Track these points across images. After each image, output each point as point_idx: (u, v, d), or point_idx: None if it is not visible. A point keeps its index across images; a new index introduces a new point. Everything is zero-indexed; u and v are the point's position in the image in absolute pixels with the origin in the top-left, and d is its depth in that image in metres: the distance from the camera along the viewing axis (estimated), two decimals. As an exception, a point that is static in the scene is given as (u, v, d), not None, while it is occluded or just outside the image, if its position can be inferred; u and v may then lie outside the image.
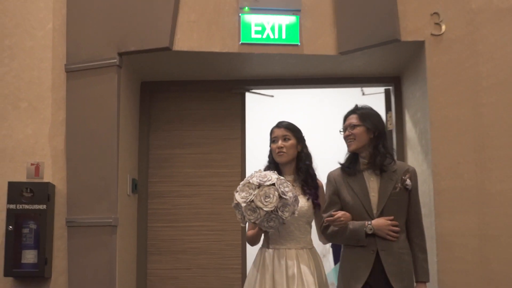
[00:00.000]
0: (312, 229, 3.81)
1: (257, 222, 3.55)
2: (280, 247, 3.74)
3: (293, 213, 3.61)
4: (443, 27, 4.20)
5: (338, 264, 4.02)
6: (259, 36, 4.25)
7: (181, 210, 4.77)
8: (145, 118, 4.82)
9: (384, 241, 3.63)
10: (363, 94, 5.48)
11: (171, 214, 4.76)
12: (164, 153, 4.83)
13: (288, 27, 4.27)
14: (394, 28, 4.14)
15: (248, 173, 4.67)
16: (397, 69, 4.78)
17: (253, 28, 4.26)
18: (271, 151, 3.93)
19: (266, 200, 3.51)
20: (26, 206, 4.00)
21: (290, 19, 4.26)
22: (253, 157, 4.85)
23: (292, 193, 3.61)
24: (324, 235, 3.82)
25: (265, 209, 3.50)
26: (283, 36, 4.26)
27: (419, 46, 4.24)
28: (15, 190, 4.00)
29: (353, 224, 3.69)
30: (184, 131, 4.86)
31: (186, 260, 4.70)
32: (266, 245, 3.78)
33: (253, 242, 3.78)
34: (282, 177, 3.64)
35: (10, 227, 3.97)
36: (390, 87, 4.99)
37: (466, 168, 4.06)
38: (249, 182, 3.59)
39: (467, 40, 4.23)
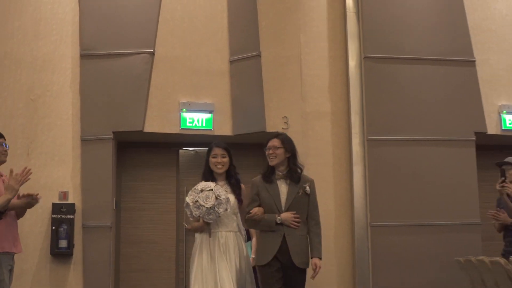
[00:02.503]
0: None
1: (201, 215, 4.72)
2: (215, 231, 4.92)
3: (226, 209, 4.77)
4: (289, 124, 7.77)
5: (249, 241, 5.88)
6: (191, 125, 7.69)
7: (140, 217, 8.10)
8: (120, 163, 8.11)
9: (289, 228, 4.80)
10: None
11: (135, 219, 8.08)
12: (131, 184, 8.15)
13: (207, 120, 7.72)
14: (263, 124, 7.68)
15: (180, 198, 8.14)
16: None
17: (187, 120, 7.69)
18: (208, 162, 5.09)
19: (206, 200, 4.66)
20: (62, 216, 7.21)
21: (207, 115, 7.72)
22: (182, 187, 8.30)
23: (225, 196, 4.76)
24: (247, 223, 5.01)
25: (206, 206, 4.66)
26: (204, 125, 7.70)
27: (275, 135, 7.79)
28: (57, 207, 7.21)
29: (267, 216, 4.82)
30: (143, 171, 8.19)
31: (143, 246, 8.03)
32: (208, 232, 4.90)
33: (197, 231, 4.97)
34: (218, 185, 4.86)
35: (54, 227, 7.19)
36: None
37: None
38: (195, 188, 4.78)
39: (303, 130, 7.82)
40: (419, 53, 8.02)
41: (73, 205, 7.33)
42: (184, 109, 7.70)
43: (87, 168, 7.48)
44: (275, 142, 4.99)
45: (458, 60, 8.08)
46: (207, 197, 4.71)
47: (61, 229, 7.26)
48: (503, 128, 8.18)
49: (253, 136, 7.82)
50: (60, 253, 7.25)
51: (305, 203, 4.95)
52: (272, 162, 4.94)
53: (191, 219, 4.95)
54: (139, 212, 8.15)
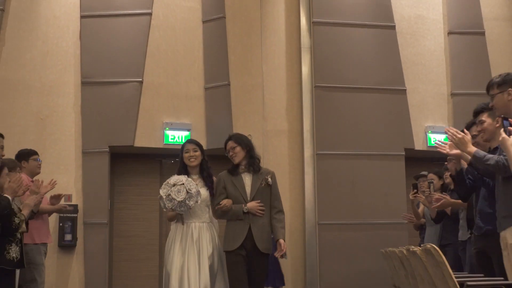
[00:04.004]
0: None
1: (173, 208, 5.10)
2: (188, 222, 5.31)
3: (196, 201, 5.12)
4: (252, 141, 9.45)
5: None
6: (173, 140, 9.34)
7: (129, 216, 9.69)
8: (114, 171, 9.71)
9: (254, 216, 5.22)
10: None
11: (125, 217, 9.68)
12: (122, 188, 9.76)
13: (185, 136, 9.31)
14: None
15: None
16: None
17: (170, 137, 9.35)
18: (182, 158, 5.48)
19: (178, 194, 4.97)
20: (67, 215, 8.82)
21: (186, 133, 9.37)
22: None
23: (196, 189, 5.08)
24: (216, 214, 5.42)
25: (177, 199, 5.00)
26: (183, 141, 9.17)
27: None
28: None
29: (235, 207, 5.21)
30: (132, 177, 9.80)
31: (132, 239, 9.63)
32: (180, 221, 5.32)
33: (172, 220, 5.44)
34: (189, 179, 5.18)
35: (60, 224, 8.83)
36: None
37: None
38: (168, 183, 5.15)
39: (264, 145, 9.44)
40: (359, 83, 9.76)
41: (76, 206, 8.95)
42: (167, 128, 9.40)
43: (87, 176, 9.12)
44: (231, 144, 5.54)
45: (392, 89, 9.84)
46: (178, 191, 5.03)
47: (66, 226, 8.88)
48: (428, 144, 9.92)
49: (223, 150, 9.49)
50: (65, 245, 8.89)
51: (268, 194, 5.42)
52: (235, 160, 5.48)
53: (164, 210, 5.39)
54: (129, 211, 9.77)
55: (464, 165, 4.98)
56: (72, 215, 8.90)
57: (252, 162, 5.50)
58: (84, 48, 9.40)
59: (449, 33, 10.44)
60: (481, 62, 10.26)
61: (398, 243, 8.83)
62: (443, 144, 4.81)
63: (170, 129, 9.41)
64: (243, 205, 5.31)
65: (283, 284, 8.76)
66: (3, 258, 5.30)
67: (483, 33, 10.45)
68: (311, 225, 9.46)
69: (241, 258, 5.26)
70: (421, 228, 8.17)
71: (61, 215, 8.80)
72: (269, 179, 5.46)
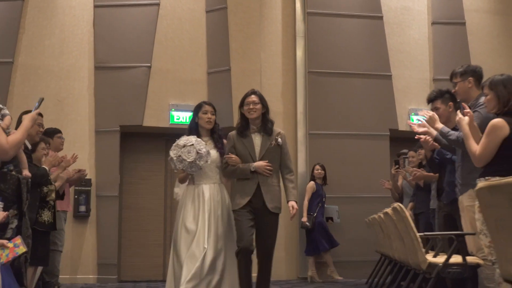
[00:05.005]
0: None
1: (184, 168, 5.10)
2: (199, 183, 5.29)
3: (206, 161, 5.11)
4: (251, 121, 10.37)
5: None
6: (178, 121, 10.25)
7: (138, 189, 10.59)
8: (124, 148, 10.57)
9: (262, 176, 5.19)
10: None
11: (134, 191, 10.57)
12: (131, 164, 10.63)
13: (189, 117, 10.01)
14: (231, 120, 10.26)
15: (167, 175, 10.75)
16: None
17: (175, 117, 10.25)
18: (195, 118, 5.54)
19: (188, 154, 4.99)
20: (82, 188, 9.69)
21: (190, 114, 10.21)
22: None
23: (205, 149, 5.07)
24: (224, 173, 5.36)
25: (188, 160, 5.02)
26: (188, 121, 10.03)
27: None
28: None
29: (242, 165, 5.20)
30: (140, 155, 10.71)
31: (139, 211, 10.53)
32: (192, 182, 5.28)
33: (183, 181, 5.42)
34: (199, 139, 5.17)
35: (76, 196, 9.71)
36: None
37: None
38: (178, 144, 5.14)
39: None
40: (349, 69, 10.66)
41: (89, 180, 9.83)
42: (173, 109, 10.29)
43: (99, 153, 10.02)
44: (254, 98, 5.38)
45: (378, 74, 10.75)
46: (188, 152, 5.05)
47: (81, 198, 9.79)
48: (412, 125, 10.85)
49: (224, 129, 10.39)
50: (80, 215, 9.80)
51: (278, 154, 5.37)
52: (252, 115, 5.35)
53: (175, 171, 5.40)
54: (137, 185, 10.66)
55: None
56: (86, 188, 9.80)
57: (265, 124, 5.46)
58: (98, 35, 10.26)
59: (433, 23, 11.31)
60: (462, 50, 11.14)
61: (383, 215, 9.83)
62: (413, 124, 5.72)
63: (176, 110, 10.29)
64: (250, 164, 5.26)
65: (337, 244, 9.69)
66: (36, 221, 6.20)
67: (464, 24, 11.33)
68: (302, 200, 10.30)
69: (247, 214, 5.20)
70: (400, 199, 9.07)
71: (76, 188, 9.68)
72: (279, 139, 5.42)
